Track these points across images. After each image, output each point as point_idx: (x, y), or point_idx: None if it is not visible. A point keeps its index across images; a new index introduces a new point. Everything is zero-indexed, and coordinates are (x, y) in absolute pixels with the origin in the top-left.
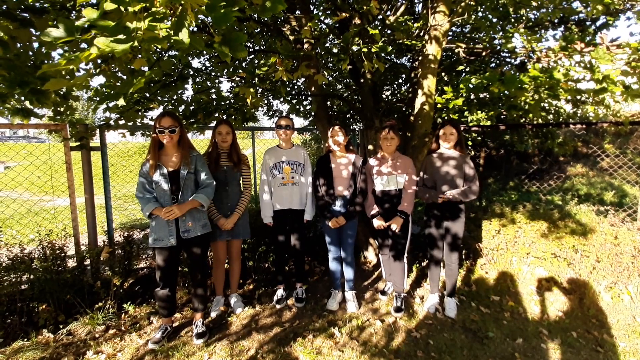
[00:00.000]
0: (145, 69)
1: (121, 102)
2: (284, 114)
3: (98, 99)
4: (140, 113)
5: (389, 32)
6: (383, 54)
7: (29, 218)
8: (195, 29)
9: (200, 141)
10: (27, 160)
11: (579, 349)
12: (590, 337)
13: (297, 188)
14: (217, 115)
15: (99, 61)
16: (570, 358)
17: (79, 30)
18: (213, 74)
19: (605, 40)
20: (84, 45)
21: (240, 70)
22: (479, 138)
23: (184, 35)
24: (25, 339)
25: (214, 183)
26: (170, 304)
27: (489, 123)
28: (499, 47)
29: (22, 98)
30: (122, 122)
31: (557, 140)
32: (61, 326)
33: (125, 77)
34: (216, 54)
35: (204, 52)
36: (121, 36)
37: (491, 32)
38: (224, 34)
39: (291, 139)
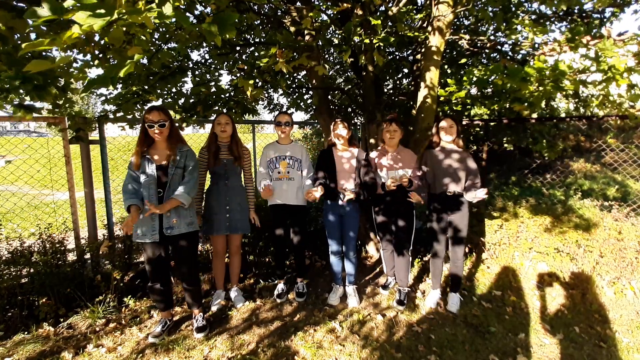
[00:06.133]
0: (143, 60)
1: (110, 87)
2: (284, 109)
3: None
4: (138, 105)
5: (390, 24)
6: (384, 45)
7: (28, 212)
8: (194, 19)
9: (201, 135)
10: (26, 153)
11: (581, 344)
12: (593, 332)
13: (293, 183)
14: (216, 108)
15: (97, 53)
16: (573, 353)
17: (65, 12)
18: (213, 66)
19: (612, 34)
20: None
21: (240, 62)
22: (482, 132)
23: (167, 9)
24: (26, 332)
25: (196, 178)
26: (165, 298)
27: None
28: (502, 39)
29: (23, 93)
30: (120, 114)
31: (544, 141)
32: (62, 319)
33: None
34: (213, 46)
35: (204, 44)
36: (101, 10)
37: (494, 23)
38: (216, 14)
39: (290, 135)
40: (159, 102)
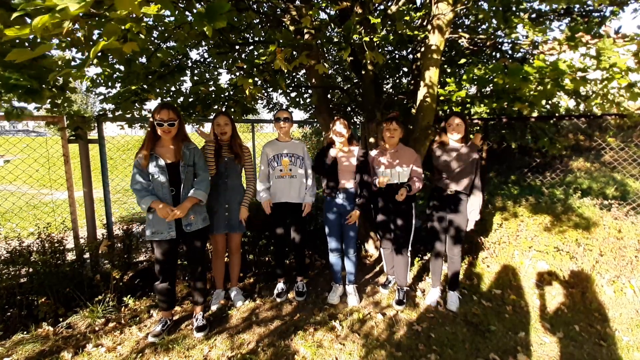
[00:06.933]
0: (142, 59)
1: (85, 71)
2: (284, 107)
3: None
4: (137, 104)
5: (389, 22)
6: (384, 43)
7: (27, 211)
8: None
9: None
10: (25, 152)
11: (581, 343)
12: (592, 330)
13: (295, 181)
14: (216, 107)
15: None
16: (573, 352)
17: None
18: (212, 65)
19: (611, 33)
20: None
21: (239, 61)
22: (481, 131)
23: None
24: (25, 332)
25: (209, 177)
26: (170, 298)
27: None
28: (502, 38)
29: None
30: (119, 113)
31: (546, 138)
32: (61, 319)
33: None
34: (213, 45)
35: (203, 43)
36: None
37: (493, 22)
38: (208, 6)
39: (290, 133)
40: (158, 101)
